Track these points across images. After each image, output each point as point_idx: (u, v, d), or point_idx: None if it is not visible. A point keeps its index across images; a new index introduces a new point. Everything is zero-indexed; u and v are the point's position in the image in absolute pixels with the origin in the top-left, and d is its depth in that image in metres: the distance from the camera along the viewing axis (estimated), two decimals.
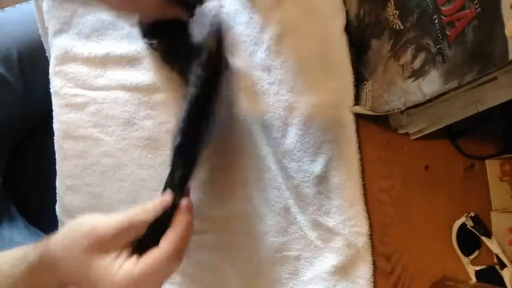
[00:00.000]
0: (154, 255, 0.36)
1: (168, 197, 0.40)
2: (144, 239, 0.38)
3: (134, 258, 0.36)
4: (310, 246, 0.51)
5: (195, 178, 0.51)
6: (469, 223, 0.49)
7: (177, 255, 0.36)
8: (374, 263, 0.50)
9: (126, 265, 0.36)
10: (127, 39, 0.55)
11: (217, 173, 0.52)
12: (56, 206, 0.56)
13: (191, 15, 0.48)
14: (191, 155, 0.43)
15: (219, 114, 0.49)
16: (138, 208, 0.38)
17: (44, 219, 0.40)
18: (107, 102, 0.54)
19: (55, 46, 0.56)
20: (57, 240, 0.38)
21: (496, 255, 0.49)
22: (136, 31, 0.55)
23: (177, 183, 0.41)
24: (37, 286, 0.37)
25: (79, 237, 0.36)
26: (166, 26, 0.47)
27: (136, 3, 0.43)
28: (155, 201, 0.39)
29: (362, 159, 0.51)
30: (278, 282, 0.51)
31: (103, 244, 0.36)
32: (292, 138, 0.51)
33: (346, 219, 0.50)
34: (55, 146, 0.55)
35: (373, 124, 0.51)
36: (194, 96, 0.42)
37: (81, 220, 0.38)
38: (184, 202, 0.40)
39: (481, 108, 0.41)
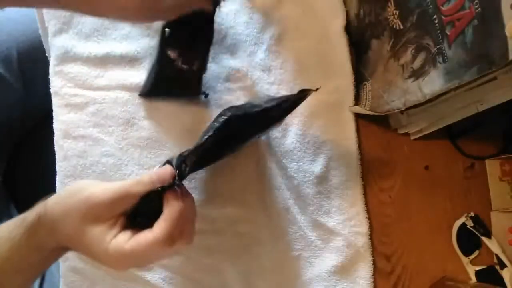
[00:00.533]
0: (146, 237, 0.36)
1: (167, 171, 0.39)
2: (139, 213, 0.38)
3: (128, 233, 0.36)
4: (310, 246, 0.51)
5: (195, 178, 0.51)
6: (469, 223, 0.49)
7: (170, 241, 0.36)
8: (374, 263, 0.50)
9: (120, 238, 0.36)
10: (127, 39, 0.55)
11: (217, 174, 0.52)
12: None
13: (217, 3, 0.45)
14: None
15: None
16: (134, 179, 0.38)
17: None
18: (107, 102, 0.54)
19: (55, 46, 0.55)
20: (55, 203, 0.38)
21: (496, 255, 0.49)
22: (136, 31, 0.55)
23: (183, 167, 0.40)
24: (36, 247, 0.38)
25: (76, 203, 0.37)
26: (191, 21, 0.44)
27: (154, 9, 0.41)
28: (152, 172, 0.38)
29: (362, 159, 0.51)
30: (278, 282, 0.51)
31: (98, 212, 0.36)
32: (292, 138, 0.51)
33: (346, 219, 0.50)
34: (55, 146, 0.55)
35: (373, 124, 0.51)
36: (201, 147, 0.41)
37: (79, 186, 0.38)
38: (183, 188, 0.39)
39: (481, 108, 0.41)
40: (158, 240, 0.35)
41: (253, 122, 0.44)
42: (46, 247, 0.38)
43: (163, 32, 0.47)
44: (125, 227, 0.37)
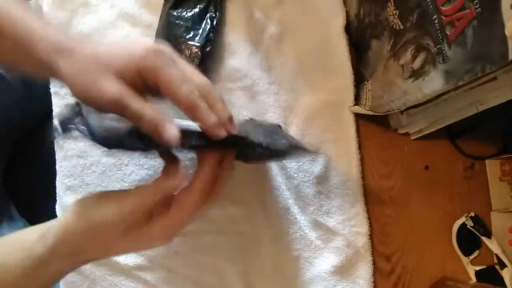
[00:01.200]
0: (144, 230, 0.36)
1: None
2: None
3: (161, 206, 0.37)
4: (310, 246, 0.51)
5: None
6: (469, 223, 0.49)
7: (165, 237, 0.37)
8: (374, 263, 0.50)
9: (159, 217, 0.36)
10: (127, 39, 0.55)
11: None
12: (56, 206, 0.56)
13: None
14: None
15: None
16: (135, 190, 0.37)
17: (44, 219, 0.40)
18: None
19: None
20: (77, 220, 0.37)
21: (496, 255, 0.49)
22: (136, 32, 0.55)
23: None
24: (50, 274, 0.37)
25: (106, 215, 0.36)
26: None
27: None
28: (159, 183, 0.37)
29: (362, 159, 0.51)
30: (278, 282, 0.51)
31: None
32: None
33: (346, 219, 0.50)
34: (55, 146, 0.55)
35: (373, 124, 0.51)
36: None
37: (99, 198, 0.37)
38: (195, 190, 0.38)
39: (481, 108, 0.41)
40: (154, 235, 0.36)
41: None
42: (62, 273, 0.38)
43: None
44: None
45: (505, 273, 0.48)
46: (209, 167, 0.37)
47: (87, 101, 0.34)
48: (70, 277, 0.52)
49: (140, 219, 0.36)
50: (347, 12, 0.51)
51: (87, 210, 0.36)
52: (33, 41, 0.35)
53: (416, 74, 0.40)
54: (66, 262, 0.37)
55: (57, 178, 0.55)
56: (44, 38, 0.35)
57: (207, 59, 0.51)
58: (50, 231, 0.36)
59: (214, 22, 0.51)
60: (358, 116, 0.51)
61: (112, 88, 0.33)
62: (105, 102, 0.33)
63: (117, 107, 0.33)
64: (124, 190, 0.37)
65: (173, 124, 0.33)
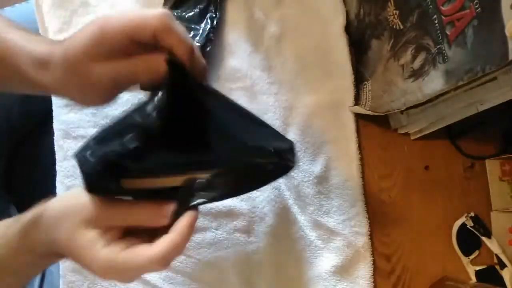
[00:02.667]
0: (144, 252, 0.34)
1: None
2: (137, 230, 0.36)
3: (122, 243, 0.35)
4: (310, 246, 0.51)
5: None
6: (469, 223, 0.49)
7: (165, 263, 0.35)
8: (374, 263, 0.50)
9: (113, 247, 0.35)
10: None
11: None
12: None
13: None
14: None
15: None
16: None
17: None
18: None
19: None
20: (54, 204, 0.37)
21: (496, 255, 0.49)
22: None
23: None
24: (27, 249, 0.37)
25: (75, 205, 0.36)
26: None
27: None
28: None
29: (362, 159, 0.51)
30: (278, 282, 0.51)
31: (92, 221, 0.35)
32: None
33: (346, 219, 0.50)
34: (55, 146, 0.55)
35: (373, 124, 0.51)
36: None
37: (79, 193, 0.36)
38: (192, 213, 0.36)
39: (481, 108, 0.41)
40: (154, 259, 0.34)
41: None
42: (37, 250, 0.37)
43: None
44: (119, 238, 0.36)
45: (505, 273, 0.48)
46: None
47: (88, 98, 0.35)
48: (70, 277, 0.52)
49: (100, 222, 0.35)
50: (347, 12, 0.51)
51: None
52: (14, 56, 0.35)
53: (416, 74, 0.40)
54: (40, 239, 0.37)
55: (57, 178, 0.55)
56: (24, 51, 0.35)
57: (207, 59, 0.51)
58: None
59: (214, 22, 0.51)
60: (358, 116, 0.51)
61: (104, 70, 0.34)
62: (105, 87, 0.34)
63: (116, 86, 0.35)
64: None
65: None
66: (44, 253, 0.38)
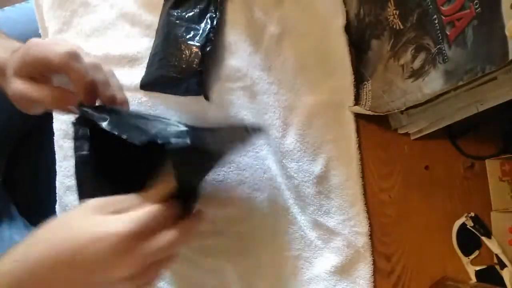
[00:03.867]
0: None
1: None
2: None
3: None
4: (310, 246, 0.51)
5: None
6: (469, 223, 0.49)
7: (134, 241, 0.33)
8: (374, 263, 0.50)
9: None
10: (127, 39, 0.55)
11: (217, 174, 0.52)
12: (56, 206, 0.56)
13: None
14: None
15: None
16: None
17: (44, 219, 0.39)
18: None
19: None
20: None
21: (496, 255, 0.49)
22: (136, 31, 0.55)
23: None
24: None
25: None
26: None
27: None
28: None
29: (362, 159, 0.51)
30: (278, 282, 0.51)
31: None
32: (292, 138, 0.51)
33: (346, 219, 0.50)
34: (55, 146, 0.55)
35: (373, 124, 0.51)
36: None
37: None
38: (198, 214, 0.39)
39: (481, 108, 0.41)
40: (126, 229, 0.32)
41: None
42: None
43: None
44: None
45: (505, 273, 0.48)
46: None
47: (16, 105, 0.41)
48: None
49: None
50: (347, 12, 0.51)
51: None
52: None
53: (416, 74, 0.40)
54: None
55: (57, 178, 0.55)
56: None
57: (207, 59, 0.51)
58: None
59: (214, 22, 0.51)
60: (358, 116, 0.51)
61: (18, 86, 0.40)
62: (16, 100, 0.41)
63: (27, 104, 0.41)
64: None
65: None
66: None
